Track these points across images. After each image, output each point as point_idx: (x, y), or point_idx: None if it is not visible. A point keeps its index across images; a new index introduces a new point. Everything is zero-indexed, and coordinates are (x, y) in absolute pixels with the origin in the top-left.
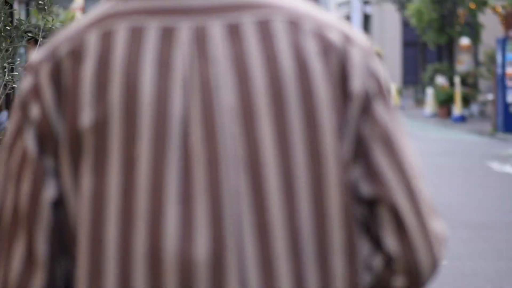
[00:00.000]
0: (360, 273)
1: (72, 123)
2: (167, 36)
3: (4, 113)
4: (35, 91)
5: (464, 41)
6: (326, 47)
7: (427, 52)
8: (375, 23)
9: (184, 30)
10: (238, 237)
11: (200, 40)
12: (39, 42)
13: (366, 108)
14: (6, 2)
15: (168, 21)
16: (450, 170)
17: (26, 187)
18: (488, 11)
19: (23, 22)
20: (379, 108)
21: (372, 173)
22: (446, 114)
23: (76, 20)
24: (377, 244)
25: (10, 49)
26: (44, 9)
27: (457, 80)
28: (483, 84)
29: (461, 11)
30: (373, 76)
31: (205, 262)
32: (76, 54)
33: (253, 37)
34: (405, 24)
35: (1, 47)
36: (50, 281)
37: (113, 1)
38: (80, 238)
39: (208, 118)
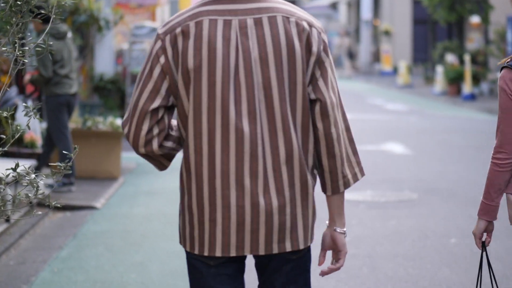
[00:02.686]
0: (311, 137)
1: (184, 66)
2: (227, 24)
3: (14, 89)
4: (163, 49)
5: (474, 19)
6: (300, 30)
7: (437, 30)
8: (385, 1)
9: (235, 21)
10: (260, 117)
11: (242, 26)
12: (51, 19)
13: (318, 59)
14: None
15: (227, 16)
16: (460, 148)
17: (146, 91)
18: None
19: None
20: (324, 59)
21: (315, 89)
22: (456, 92)
23: (181, 12)
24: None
25: (21, 24)
26: None
27: (467, 58)
28: (493, 62)
29: None
30: (323, 43)
31: (247, 129)
32: (185, 33)
33: (267, 25)
34: (415, 2)
35: (12, 22)
36: (150, 129)
37: (200, 5)
38: (189, 121)
39: (247, 64)
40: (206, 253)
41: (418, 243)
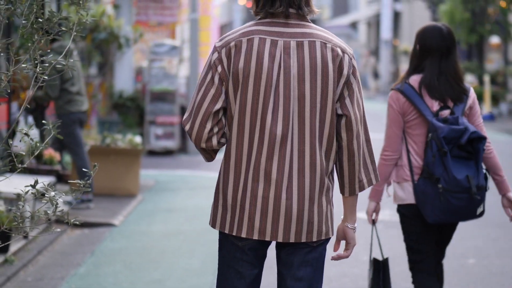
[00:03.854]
0: (334, 146)
1: (235, 74)
2: (274, 43)
3: (14, 104)
4: (219, 59)
5: (494, 39)
6: (335, 55)
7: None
8: (405, 21)
9: (280, 42)
10: (292, 125)
11: (286, 47)
12: (72, 35)
13: (347, 81)
14: None
15: (275, 37)
16: None
17: (209, 95)
18: None
19: (55, 14)
20: (352, 81)
21: (342, 106)
22: None
23: (236, 29)
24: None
25: (42, 41)
26: (79, 3)
27: (486, 78)
28: None
29: (491, 9)
30: (352, 67)
31: (279, 133)
32: (237, 47)
33: (307, 48)
34: (435, 22)
35: (34, 39)
36: (211, 128)
37: (253, 25)
38: (234, 122)
39: (287, 79)
40: (234, 233)
41: None
